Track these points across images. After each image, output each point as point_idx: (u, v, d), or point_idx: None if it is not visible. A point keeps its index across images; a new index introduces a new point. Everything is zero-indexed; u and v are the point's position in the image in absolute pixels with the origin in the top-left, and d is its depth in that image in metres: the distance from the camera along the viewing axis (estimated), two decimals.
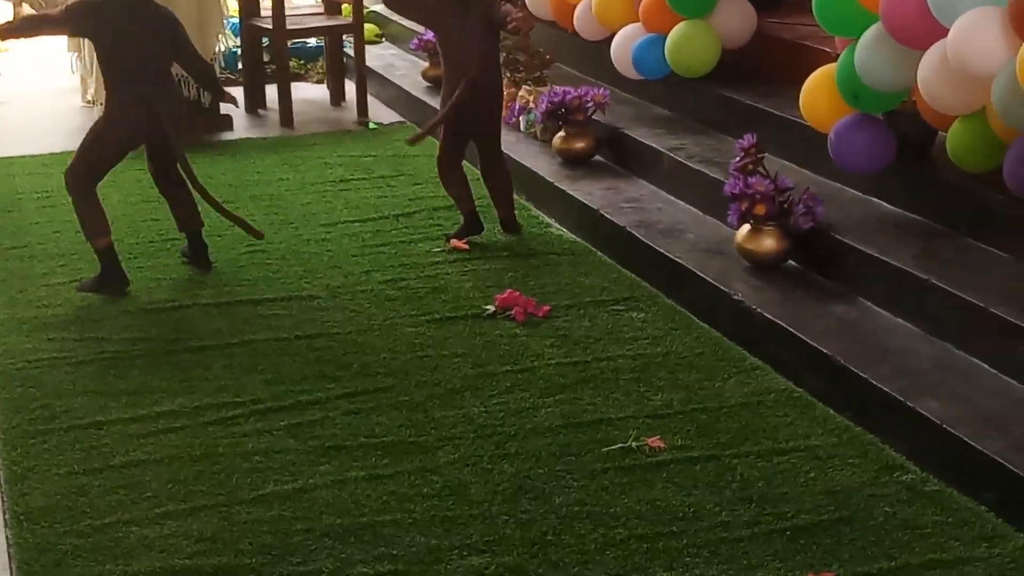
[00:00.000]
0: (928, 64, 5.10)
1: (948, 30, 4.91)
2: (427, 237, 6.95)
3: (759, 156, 5.89)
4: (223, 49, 9.68)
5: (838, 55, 5.75)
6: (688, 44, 7.30)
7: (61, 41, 10.31)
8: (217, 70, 9.04)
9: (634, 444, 4.66)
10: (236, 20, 10.12)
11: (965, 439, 4.26)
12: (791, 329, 5.19)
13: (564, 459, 4.60)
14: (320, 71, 10.80)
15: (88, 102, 9.89)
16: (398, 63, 10.77)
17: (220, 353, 5.56)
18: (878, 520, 4.14)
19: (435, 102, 8.25)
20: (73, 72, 10.20)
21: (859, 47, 5.45)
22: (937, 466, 4.36)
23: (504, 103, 7.64)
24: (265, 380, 5.28)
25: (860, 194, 6.05)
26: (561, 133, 7.62)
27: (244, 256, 6.73)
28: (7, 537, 4.20)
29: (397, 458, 4.64)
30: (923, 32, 5.10)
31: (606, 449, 4.64)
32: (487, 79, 6.68)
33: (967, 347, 4.85)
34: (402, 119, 9.65)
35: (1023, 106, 4.68)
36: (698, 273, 5.87)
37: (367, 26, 10.45)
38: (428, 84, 9.73)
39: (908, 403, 4.53)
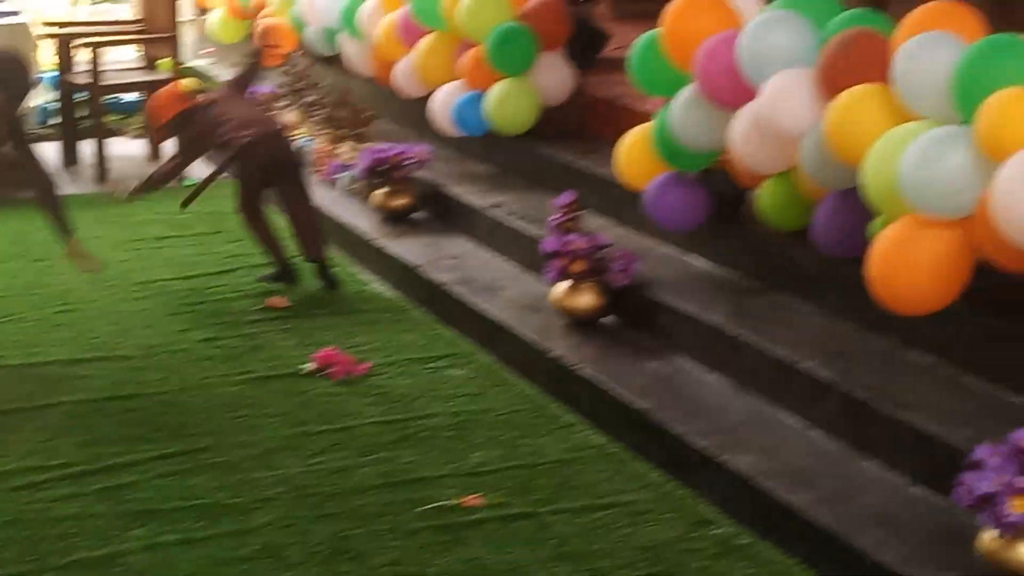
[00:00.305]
0: (740, 125, 5.21)
1: (759, 91, 5.03)
2: (245, 295, 6.88)
3: (577, 213, 5.96)
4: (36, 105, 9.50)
5: (654, 115, 5.85)
6: (508, 102, 7.37)
7: None
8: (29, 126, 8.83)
9: (452, 502, 4.65)
10: (52, 74, 9.93)
11: (775, 493, 4.34)
12: (607, 385, 5.24)
13: (382, 519, 4.56)
14: (138, 126, 10.64)
15: None
16: None
17: (30, 415, 5.41)
18: (691, 574, 4.18)
19: None
20: None
21: (674, 107, 5.55)
22: (749, 520, 4.42)
23: (321, 158, 7.65)
24: (77, 443, 5.15)
25: (676, 251, 6.15)
26: (382, 190, 7.61)
27: (57, 315, 6.58)
28: None
29: (212, 521, 4.55)
30: (735, 93, 5.21)
31: (424, 508, 4.62)
32: (265, 136, 6.78)
33: (778, 401, 4.94)
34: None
35: (831, 166, 4.79)
36: (517, 330, 5.90)
37: (185, 81, 10.33)
38: None
39: (720, 457, 4.59)
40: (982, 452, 3.67)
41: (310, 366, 5.85)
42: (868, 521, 4.11)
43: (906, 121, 4.44)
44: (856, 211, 4.73)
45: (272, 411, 5.45)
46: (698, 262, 6.01)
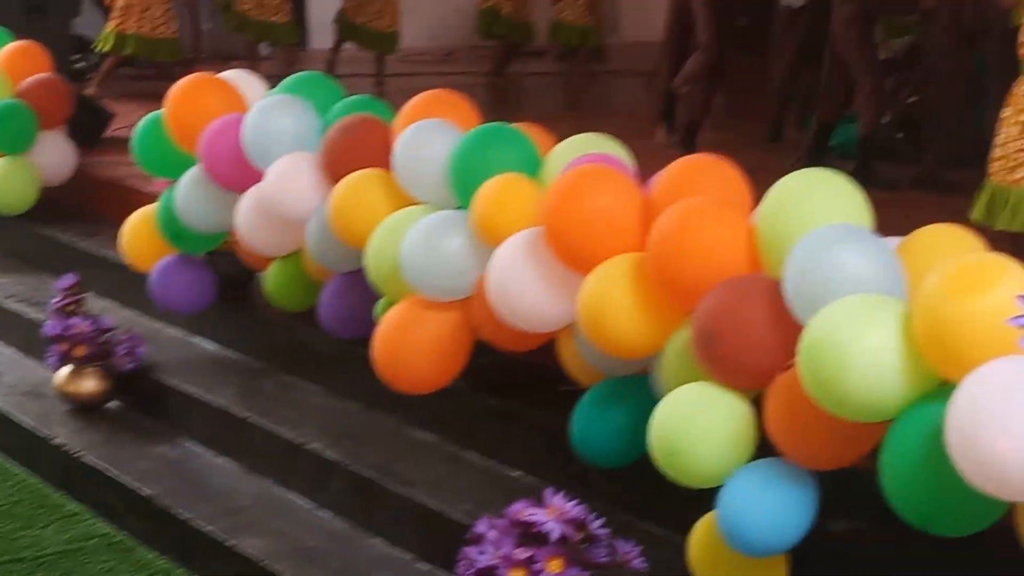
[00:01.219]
0: (245, 207, 5.22)
1: (264, 174, 5.06)
2: None
3: (80, 296, 5.79)
4: None
5: (159, 196, 5.77)
6: (6, 181, 7.10)
7: None
8: None
9: None
10: None
11: (284, 575, 4.34)
12: (111, 472, 5.10)
13: None
14: None
15: None
16: None
17: None
18: None
19: None
20: None
21: (179, 188, 5.50)
22: None
23: None
24: None
25: (182, 333, 6.07)
26: None
27: None
28: None
29: None
30: (240, 175, 5.22)
31: None
32: None
33: (287, 483, 4.95)
34: None
35: (335, 248, 4.87)
36: (16, 417, 5.66)
37: None
38: None
39: (229, 542, 4.55)
40: (481, 526, 3.78)
41: None
42: None
43: (407, 205, 4.58)
44: (361, 292, 4.82)
45: None
46: (206, 344, 5.96)
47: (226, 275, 5.82)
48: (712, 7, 7.98)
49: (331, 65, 10.57)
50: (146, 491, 4.95)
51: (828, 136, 7.70)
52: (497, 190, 4.21)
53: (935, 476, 2.91)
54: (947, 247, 3.33)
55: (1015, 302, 2.17)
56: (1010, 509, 2.89)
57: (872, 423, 3.12)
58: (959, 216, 4.74)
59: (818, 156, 7.29)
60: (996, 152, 5.39)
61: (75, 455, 5.29)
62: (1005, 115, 5.35)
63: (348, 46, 11.04)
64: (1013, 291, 2.24)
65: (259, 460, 5.09)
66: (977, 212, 5.41)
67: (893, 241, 3.46)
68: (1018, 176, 5.28)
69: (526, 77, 11.73)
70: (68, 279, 5.80)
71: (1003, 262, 2.93)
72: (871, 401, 3.03)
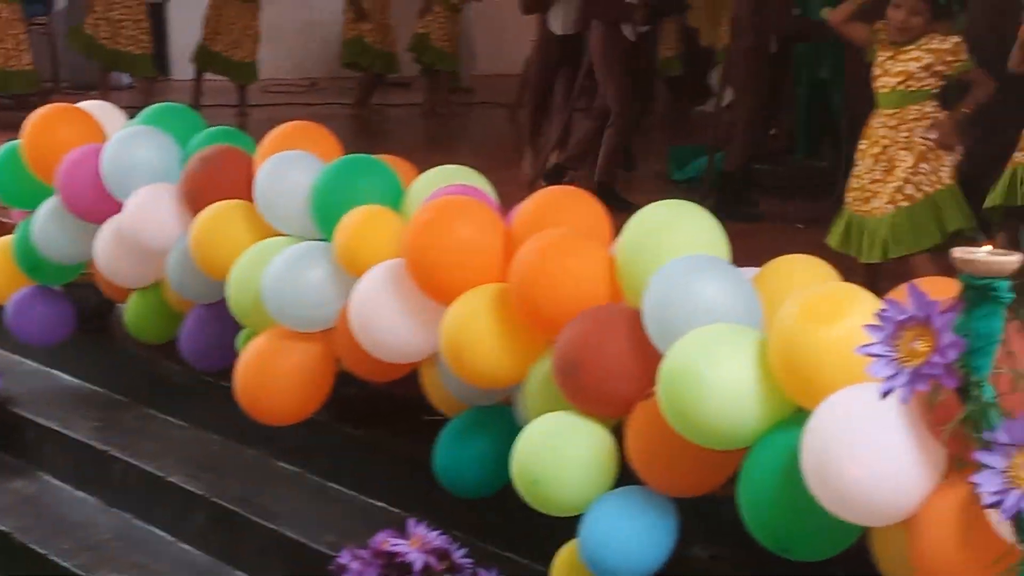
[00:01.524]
0: (104, 238, 5.16)
1: (123, 205, 5.01)
2: None
3: None
4: None
5: (15, 226, 5.68)
6: None
7: None
8: None
9: None
10: None
11: None
12: None
13: None
14: None
15: None
16: None
17: None
18: None
19: None
20: None
21: (36, 219, 5.42)
22: None
23: None
24: None
25: (40, 366, 5.97)
26: None
27: None
28: None
29: None
30: (99, 206, 5.15)
31: None
32: None
33: (148, 516, 4.89)
34: None
35: (197, 279, 4.83)
36: None
37: None
38: None
39: None
40: (345, 557, 3.78)
41: None
42: None
43: (268, 237, 4.56)
44: (222, 324, 4.79)
45: None
46: (64, 377, 5.88)
47: (85, 307, 5.74)
48: (619, 60, 7.79)
49: (193, 95, 10.50)
50: (2, 527, 4.85)
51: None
52: (359, 221, 4.21)
53: (792, 502, 2.96)
54: (802, 277, 3.41)
55: (864, 331, 2.22)
56: (865, 532, 2.96)
57: (730, 450, 3.17)
58: (819, 246, 4.87)
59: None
60: (852, 183, 5.53)
61: None
62: (861, 147, 5.49)
63: (213, 76, 10.98)
64: (863, 320, 2.30)
65: (119, 494, 5.02)
66: (833, 241, 5.54)
67: (749, 271, 3.53)
68: (872, 207, 5.41)
69: (390, 108, 11.75)
70: None
71: (854, 292, 3.01)
72: (729, 429, 3.08)
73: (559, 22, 8.27)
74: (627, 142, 8.12)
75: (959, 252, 2.11)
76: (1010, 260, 2.09)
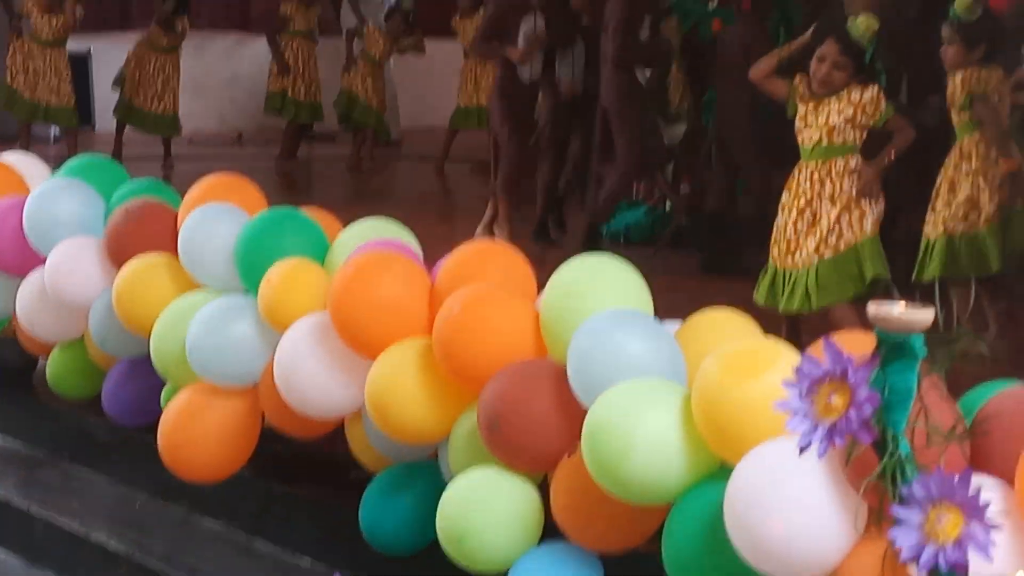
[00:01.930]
0: (26, 292, 5.11)
1: (45, 259, 4.96)
2: None
3: None
4: None
5: None
6: None
7: None
8: None
9: None
10: None
11: None
12: None
13: None
14: None
15: None
16: None
17: None
18: None
19: None
20: None
21: None
22: None
23: None
24: None
25: None
26: None
27: None
28: None
29: None
30: (21, 260, 5.11)
31: None
32: None
33: (70, 575, 4.82)
34: None
35: (120, 334, 4.79)
36: None
37: None
38: None
39: None
40: None
41: None
42: None
43: (192, 290, 4.54)
44: (146, 380, 4.75)
45: None
46: None
47: (6, 361, 5.68)
48: (638, 107, 7.78)
49: (115, 148, 10.45)
50: None
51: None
52: (284, 275, 4.20)
53: (715, 556, 2.96)
54: (724, 331, 3.43)
55: (783, 387, 2.24)
56: None
57: (655, 505, 3.18)
58: (745, 299, 4.91)
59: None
60: (776, 236, 5.58)
61: None
62: (784, 200, 5.54)
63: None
64: (783, 375, 2.32)
65: (42, 552, 4.95)
66: (759, 295, 5.58)
67: (673, 325, 3.55)
68: (796, 259, 5.46)
69: (316, 161, 11.74)
70: None
71: (774, 347, 3.03)
72: (653, 484, 3.09)
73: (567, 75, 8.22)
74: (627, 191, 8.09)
75: (874, 308, 2.13)
76: (923, 316, 2.12)
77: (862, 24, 5.39)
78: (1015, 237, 5.84)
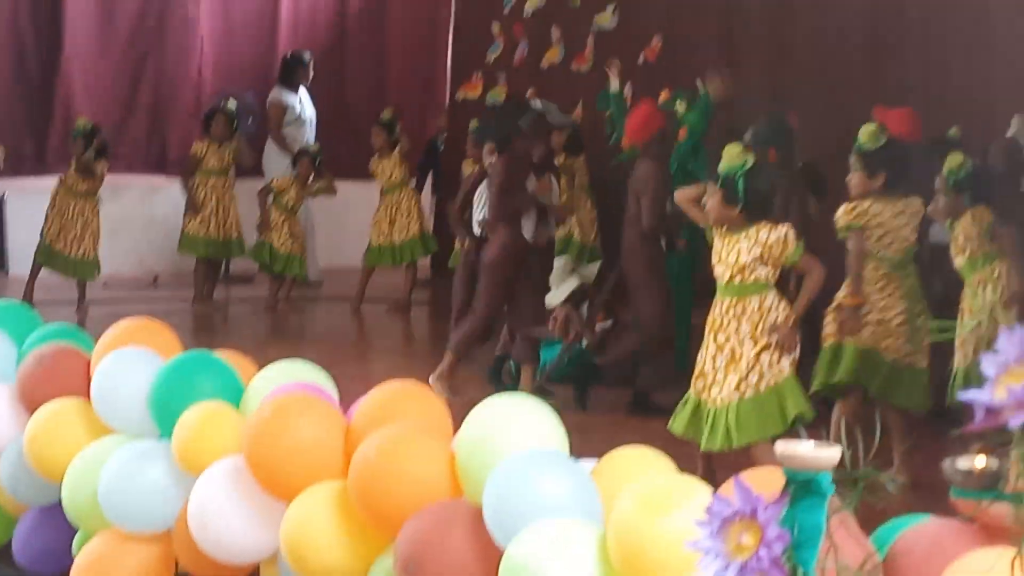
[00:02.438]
0: None
1: None
2: None
3: None
4: None
5: None
6: None
7: None
8: None
9: None
10: None
11: None
12: None
13: None
14: None
15: None
16: None
17: None
18: None
19: None
20: None
21: None
22: None
23: None
24: None
25: None
26: None
27: None
28: None
29: None
30: None
31: None
32: None
33: None
34: None
35: (31, 480, 4.73)
36: None
37: None
38: None
39: None
40: None
41: None
42: None
43: (106, 436, 4.50)
44: (58, 527, 4.68)
45: None
46: None
47: None
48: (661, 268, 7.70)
49: (26, 291, 10.36)
50: None
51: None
52: (198, 419, 4.18)
53: None
54: (639, 469, 3.46)
55: (695, 525, 2.26)
56: None
57: None
58: (662, 435, 4.93)
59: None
60: (697, 368, 5.61)
61: None
62: (706, 333, 5.58)
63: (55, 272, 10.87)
64: (696, 513, 2.34)
65: None
66: (678, 424, 5.59)
67: (588, 463, 3.57)
68: (715, 394, 5.48)
69: (233, 303, 11.70)
70: None
71: (688, 485, 3.07)
72: None
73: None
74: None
75: (781, 446, 2.16)
76: (830, 454, 2.15)
77: (726, 159, 5.47)
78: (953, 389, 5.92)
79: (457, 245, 11.55)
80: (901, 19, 10.06)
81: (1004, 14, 8.94)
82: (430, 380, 7.40)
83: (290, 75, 12.36)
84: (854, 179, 6.07)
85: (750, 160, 5.47)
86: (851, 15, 10.23)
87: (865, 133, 6.09)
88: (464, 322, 7.79)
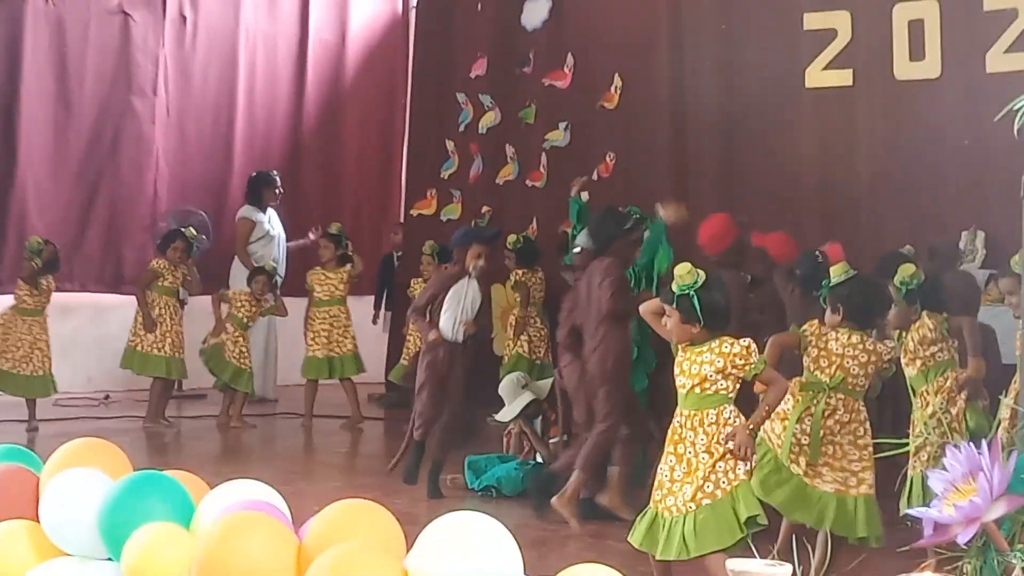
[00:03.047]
0: None
1: None
2: None
3: None
4: None
5: None
6: None
7: None
8: None
9: None
10: None
11: None
12: None
13: None
14: None
15: None
16: None
17: None
18: None
19: None
20: None
21: None
22: None
23: None
24: None
25: None
26: None
27: None
28: None
29: None
30: None
31: None
32: None
33: None
34: None
35: None
36: None
37: None
38: None
39: None
40: None
41: None
42: None
43: (54, 557, 4.44)
44: None
45: None
46: None
47: None
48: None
49: None
50: None
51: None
52: (148, 540, 4.12)
53: None
54: None
55: None
56: None
57: None
58: (619, 548, 4.89)
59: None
60: (656, 478, 5.61)
61: None
62: (666, 443, 5.59)
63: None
64: None
65: None
66: (636, 536, 5.58)
67: None
68: (671, 505, 5.48)
69: (185, 420, 11.62)
70: None
71: None
72: None
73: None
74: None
75: (733, 564, 2.17)
76: (781, 572, 2.16)
77: (677, 279, 5.53)
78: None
79: (404, 359, 11.63)
80: (852, 136, 10.27)
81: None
82: (553, 503, 7.35)
83: (258, 193, 12.43)
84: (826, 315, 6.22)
85: (701, 277, 5.53)
86: (804, 136, 10.45)
87: (834, 271, 6.24)
88: (591, 437, 7.66)
